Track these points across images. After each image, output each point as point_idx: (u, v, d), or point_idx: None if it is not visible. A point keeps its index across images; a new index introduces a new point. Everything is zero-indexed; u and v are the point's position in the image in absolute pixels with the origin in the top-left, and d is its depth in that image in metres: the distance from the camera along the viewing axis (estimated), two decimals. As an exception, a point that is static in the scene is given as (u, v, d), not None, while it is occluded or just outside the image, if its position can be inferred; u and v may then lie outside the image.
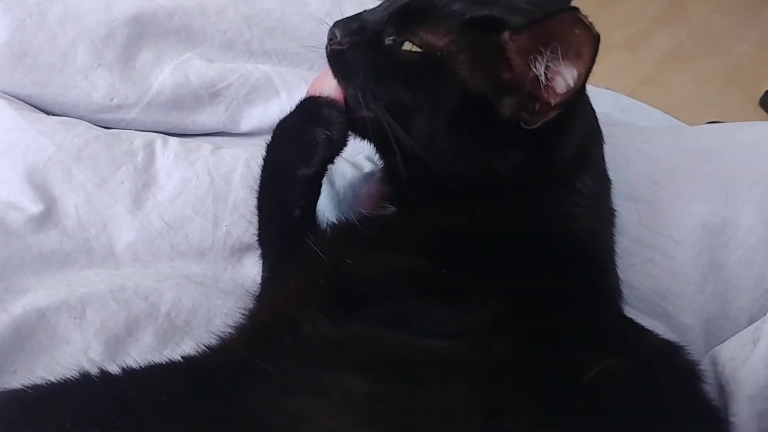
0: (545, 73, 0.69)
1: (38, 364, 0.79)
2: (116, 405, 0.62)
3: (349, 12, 1.24)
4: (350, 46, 0.80)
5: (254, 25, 1.17)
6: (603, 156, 0.85)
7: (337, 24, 0.82)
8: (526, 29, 0.70)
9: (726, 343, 0.82)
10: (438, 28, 0.75)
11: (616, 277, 0.84)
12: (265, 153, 0.90)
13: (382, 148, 0.85)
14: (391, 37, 0.77)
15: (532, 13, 0.74)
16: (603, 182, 0.85)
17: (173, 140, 1.03)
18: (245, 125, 1.12)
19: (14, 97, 1.02)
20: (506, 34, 0.71)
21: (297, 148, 0.86)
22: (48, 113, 1.03)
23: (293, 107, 0.88)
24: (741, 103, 2.89)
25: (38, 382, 0.64)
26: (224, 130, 1.12)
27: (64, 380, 0.64)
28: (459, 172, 0.77)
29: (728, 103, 2.86)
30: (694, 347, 0.76)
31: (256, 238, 0.93)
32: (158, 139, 1.02)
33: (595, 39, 0.65)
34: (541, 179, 0.78)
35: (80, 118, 1.03)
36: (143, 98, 1.05)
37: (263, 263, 0.93)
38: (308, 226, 0.90)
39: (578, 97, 0.73)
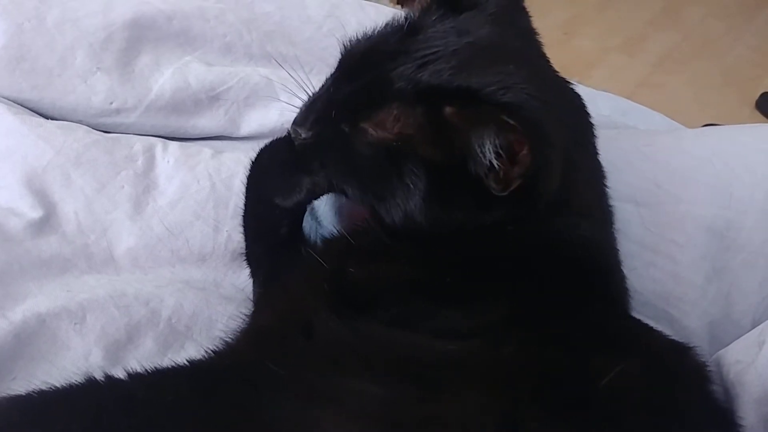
0: (493, 152, 0.66)
1: (38, 370, 0.78)
2: (123, 407, 0.61)
3: (348, 16, 1.25)
4: (314, 140, 0.79)
5: (254, 29, 1.17)
6: (595, 154, 0.82)
7: (295, 121, 0.81)
8: (464, 109, 0.68)
9: (731, 346, 0.82)
10: (385, 118, 0.72)
11: (623, 278, 0.83)
12: (249, 172, 0.91)
13: None
14: (347, 126, 0.75)
15: (468, 70, 0.71)
16: (596, 186, 0.83)
17: (173, 144, 1.02)
18: (245, 129, 1.11)
19: (13, 101, 1.01)
20: (448, 110, 0.69)
21: (280, 182, 0.87)
22: (47, 117, 1.02)
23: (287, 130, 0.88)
24: (737, 105, 2.90)
25: (41, 388, 0.64)
26: (224, 134, 1.11)
27: (69, 385, 0.64)
28: (443, 233, 0.76)
29: (724, 105, 2.88)
30: (696, 345, 0.75)
31: (244, 256, 0.93)
32: (158, 143, 1.01)
33: (519, 130, 0.63)
34: (531, 214, 0.74)
35: (79, 122, 1.02)
36: (142, 102, 1.05)
37: (254, 280, 0.93)
38: (296, 240, 0.91)
39: (543, 153, 0.67)
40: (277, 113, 1.10)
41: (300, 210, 0.93)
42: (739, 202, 0.92)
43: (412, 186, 0.72)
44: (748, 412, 0.71)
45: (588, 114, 0.82)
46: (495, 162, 0.66)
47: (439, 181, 0.72)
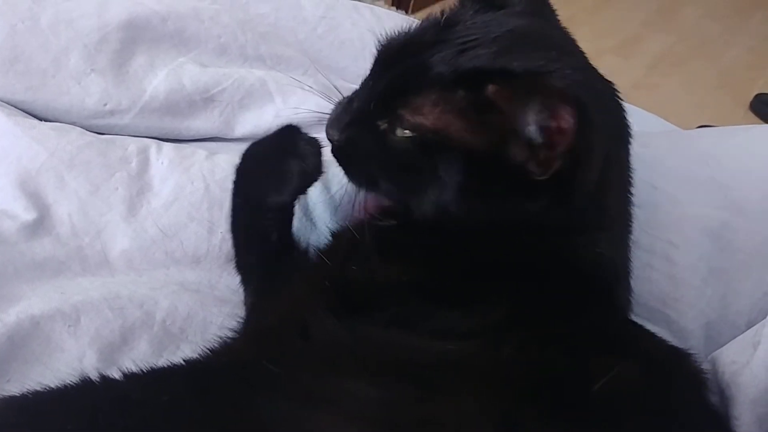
0: (537, 126, 0.65)
1: (32, 372, 0.78)
2: (118, 407, 0.61)
3: (342, 17, 1.25)
4: (348, 141, 0.78)
5: (248, 30, 1.17)
6: (629, 158, 0.81)
7: (330, 123, 0.80)
8: (508, 84, 0.66)
9: (726, 347, 0.82)
10: (424, 103, 0.71)
11: (628, 289, 0.82)
12: (235, 177, 0.89)
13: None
14: (384, 122, 0.74)
15: (511, 54, 0.70)
16: (625, 194, 0.81)
17: (167, 146, 1.02)
18: (240, 130, 1.11)
19: (6, 102, 1.00)
20: (491, 88, 0.66)
21: (269, 177, 0.86)
22: (40, 119, 1.02)
23: (272, 132, 0.88)
24: (731, 107, 2.91)
25: (36, 389, 0.63)
26: (219, 136, 1.11)
27: (64, 385, 0.63)
28: (473, 227, 0.75)
29: (719, 106, 2.89)
30: (695, 352, 0.75)
31: (234, 264, 0.92)
32: (152, 144, 1.01)
33: (566, 97, 0.62)
34: (565, 216, 0.73)
35: (73, 123, 1.02)
36: (137, 103, 1.05)
37: (245, 289, 0.91)
38: (288, 245, 0.90)
39: (586, 135, 0.66)
40: (272, 114, 1.10)
41: (289, 213, 0.91)
42: (734, 203, 0.92)
43: (446, 179, 0.71)
44: (743, 413, 0.71)
45: (626, 116, 0.81)
46: (539, 137, 0.65)
47: (478, 171, 0.71)
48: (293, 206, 0.91)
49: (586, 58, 0.80)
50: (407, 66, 0.74)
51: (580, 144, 0.65)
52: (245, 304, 0.91)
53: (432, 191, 0.73)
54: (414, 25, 0.79)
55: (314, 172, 0.84)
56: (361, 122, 0.77)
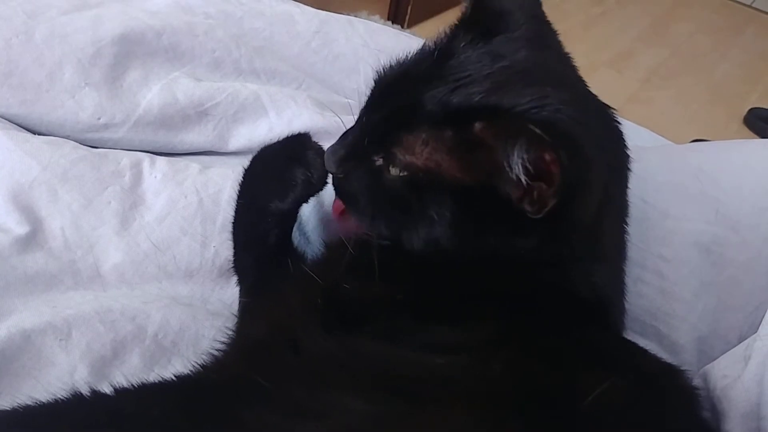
0: (525, 164, 0.63)
1: (23, 387, 0.78)
2: (108, 421, 0.61)
3: (336, 32, 1.25)
4: (346, 175, 0.79)
5: (243, 44, 1.17)
6: (626, 187, 0.79)
7: (328, 155, 0.80)
8: (494, 122, 0.65)
9: (717, 361, 0.82)
10: (414, 142, 0.71)
11: (623, 311, 0.82)
12: (241, 179, 0.91)
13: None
14: (379, 158, 0.74)
15: (502, 91, 0.68)
16: (621, 223, 0.80)
17: (161, 160, 1.02)
18: (233, 144, 1.11)
19: (0, 116, 1.01)
20: (477, 126, 0.66)
21: (274, 182, 0.87)
22: (34, 133, 1.02)
23: (280, 137, 0.88)
24: (725, 121, 2.93)
25: (26, 403, 0.63)
26: (212, 149, 1.11)
27: (55, 399, 0.63)
28: (464, 261, 0.74)
29: (712, 121, 2.90)
30: (687, 367, 0.75)
31: (232, 264, 0.93)
32: (146, 158, 1.01)
33: (554, 136, 0.60)
34: (559, 250, 0.72)
35: (67, 137, 1.03)
36: (130, 117, 1.05)
37: (240, 288, 0.92)
38: (284, 251, 0.90)
39: (581, 172, 0.64)
40: (266, 128, 1.10)
41: (290, 219, 0.92)
42: (725, 217, 0.92)
43: (436, 218, 0.71)
44: (734, 427, 0.71)
45: (626, 144, 0.79)
46: (524, 179, 0.63)
47: (470, 208, 0.70)
48: (296, 213, 0.92)
49: (583, 86, 0.79)
50: (401, 102, 0.73)
51: (575, 181, 0.64)
52: (238, 303, 0.92)
53: (422, 229, 0.73)
54: (408, 56, 0.78)
55: (318, 182, 0.84)
56: (357, 157, 0.77)
